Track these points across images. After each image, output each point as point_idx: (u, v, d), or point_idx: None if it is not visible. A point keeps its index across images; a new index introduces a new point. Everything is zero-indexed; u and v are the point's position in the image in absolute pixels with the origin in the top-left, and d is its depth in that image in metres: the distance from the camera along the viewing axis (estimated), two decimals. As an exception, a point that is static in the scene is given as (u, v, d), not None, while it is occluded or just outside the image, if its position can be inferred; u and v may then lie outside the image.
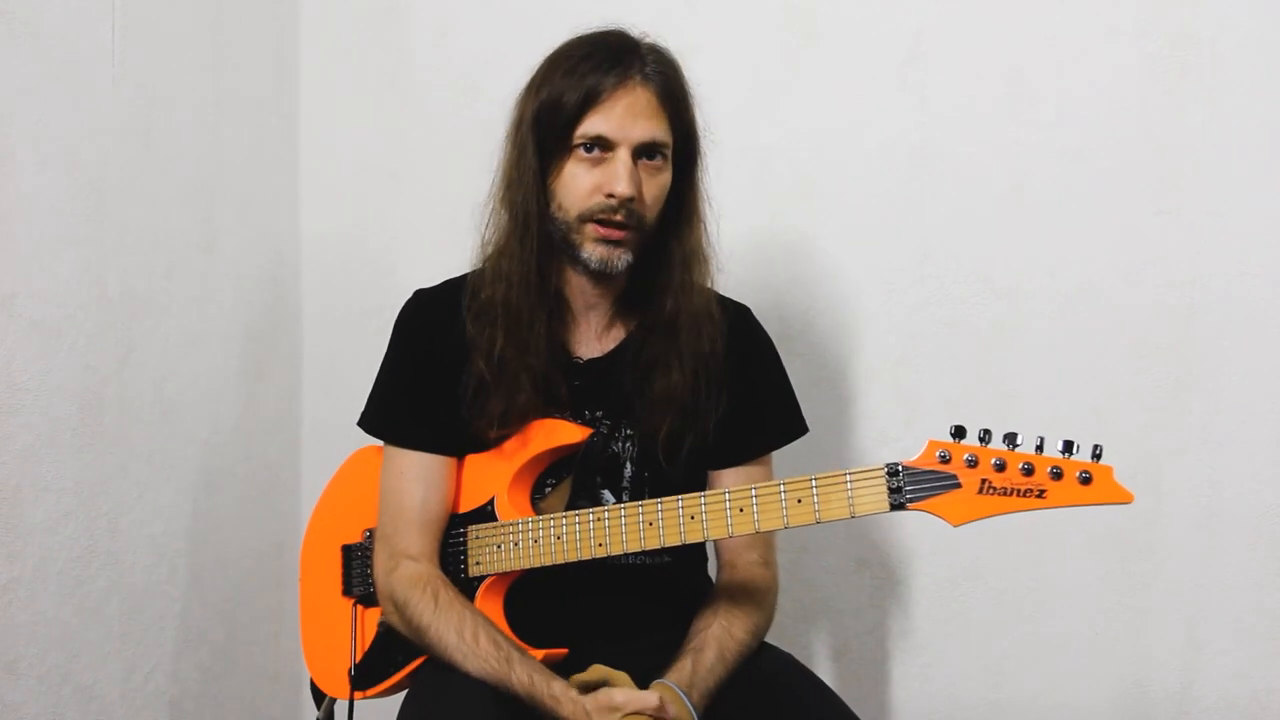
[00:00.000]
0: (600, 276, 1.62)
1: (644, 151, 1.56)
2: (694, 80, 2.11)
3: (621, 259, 1.58)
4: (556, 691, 1.47)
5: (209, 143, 2.19)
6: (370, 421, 1.72)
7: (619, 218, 1.56)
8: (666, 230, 1.62)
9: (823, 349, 2.13)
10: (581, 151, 1.56)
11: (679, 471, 1.64)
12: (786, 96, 2.13)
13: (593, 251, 1.57)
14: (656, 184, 1.59)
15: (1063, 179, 1.99)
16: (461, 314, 1.63)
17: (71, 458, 1.88)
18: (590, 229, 1.57)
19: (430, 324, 1.67)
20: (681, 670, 1.53)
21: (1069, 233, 1.98)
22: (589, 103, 1.55)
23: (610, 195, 1.55)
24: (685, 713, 1.47)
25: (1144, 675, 1.99)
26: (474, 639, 1.53)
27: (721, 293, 1.76)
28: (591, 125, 1.55)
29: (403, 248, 2.38)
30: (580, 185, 1.56)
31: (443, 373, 1.64)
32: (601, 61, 1.57)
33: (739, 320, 1.73)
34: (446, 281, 1.71)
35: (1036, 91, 1.99)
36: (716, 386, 1.64)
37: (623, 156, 1.55)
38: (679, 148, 1.61)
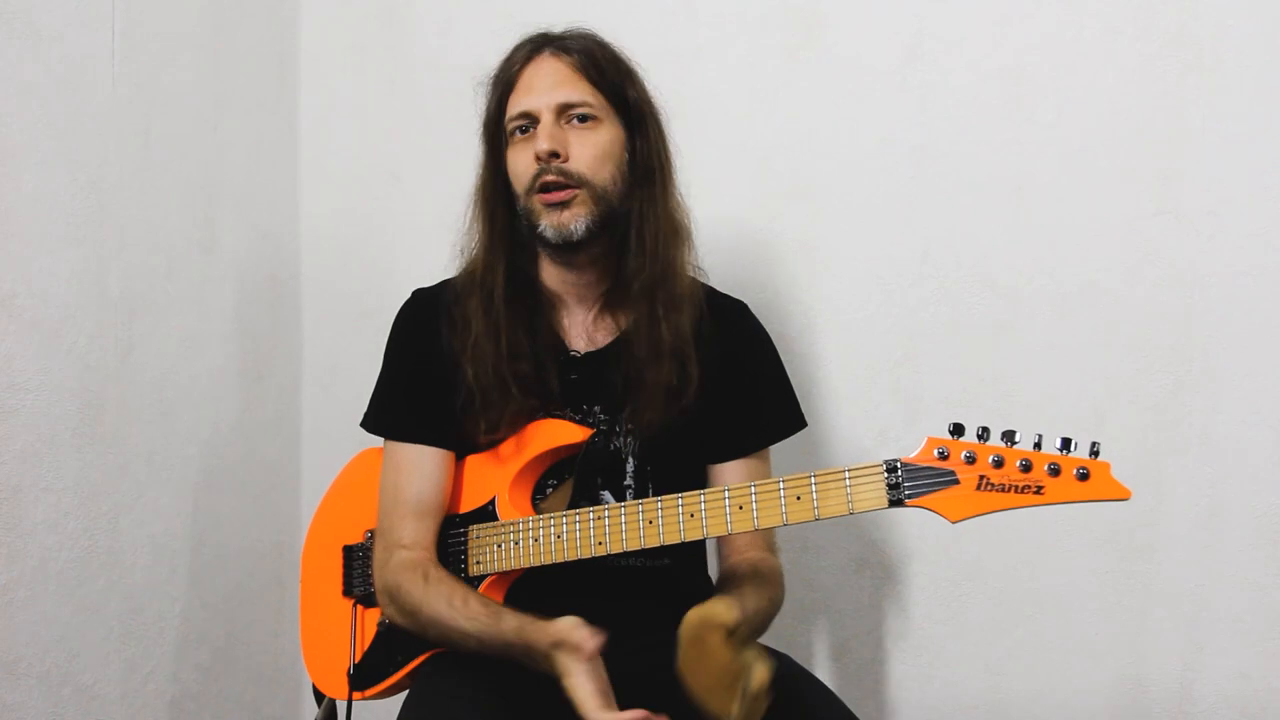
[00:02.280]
0: (570, 254, 1.62)
1: (565, 113, 1.59)
2: (693, 80, 2.14)
3: (575, 221, 1.58)
4: (543, 627, 1.46)
5: (209, 143, 2.19)
6: (370, 419, 1.73)
7: (550, 178, 1.58)
8: (623, 202, 1.63)
9: (823, 349, 2.13)
10: (516, 136, 1.61)
11: (680, 466, 1.64)
12: (786, 96, 2.13)
13: (546, 223, 1.59)
14: (590, 141, 1.59)
15: (1063, 179, 1.98)
16: (453, 313, 1.65)
17: (71, 458, 1.88)
18: (537, 201, 1.59)
19: (426, 324, 1.68)
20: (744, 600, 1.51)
21: (1069, 233, 1.98)
22: (508, 90, 1.62)
23: (538, 159, 1.58)
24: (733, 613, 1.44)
25: (1144, 675, 1.99)
26: (464, 603, 1.55)
27: (721, 290, 1.76)
28: (513, 107, 1.61)
29: (403, 248, 2.38)
30: (519, 164, 1.61)
31: (440, 370, 1.65)
32: (513, 54, 1.64)
33: (736, 315, 1.73)
34: (444, 281, 1.72)
35: (1036, 91, 1.99)
36: (703, 370, 1.63)
37: (545, 121, 1.58)
38: (623, 114, 1.63)
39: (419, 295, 1.74)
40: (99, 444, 1.94)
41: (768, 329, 1.77)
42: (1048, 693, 2.04)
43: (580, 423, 1.64)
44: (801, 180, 2.13)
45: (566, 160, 1.58)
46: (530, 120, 1.60)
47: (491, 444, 1.65)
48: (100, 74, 1.92)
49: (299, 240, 2.45)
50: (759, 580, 1.62)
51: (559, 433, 1.62)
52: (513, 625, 1.50)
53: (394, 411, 1.69)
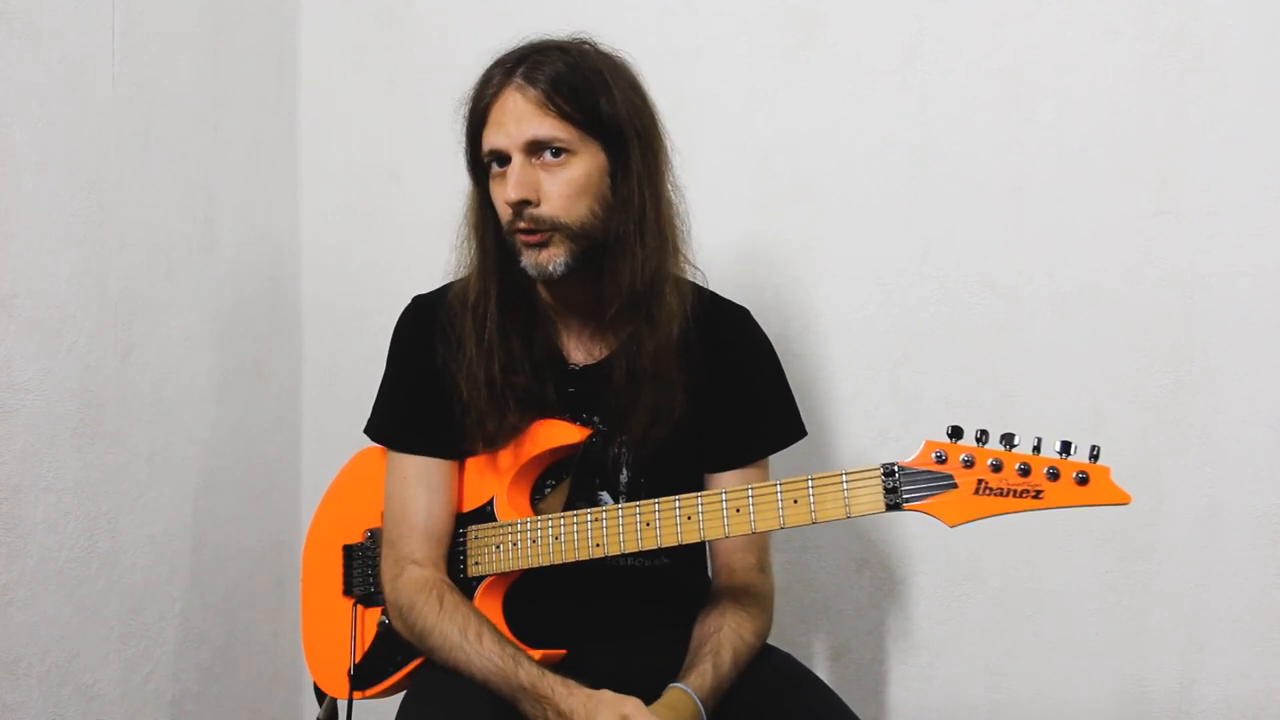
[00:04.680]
0: (555, 286, 1.61)
1: (536, 150, 1.54)
2: (693, 80, 2.14)
3: (552, 261, 1.55)
4: (567, 683, 1.46)
5: (209, 143, 2.19)
6: (374, 428, 1.73)
7: (521, 224, 1.55)
8: (606, 226, 1.58)
9: (823, 349, 2.13)
10: (494, 168, 1.58)
11: (676, 476, 1.64)
12: (786, 96, 2.13)
13: (526, 260, 1.57)
14: (562, 179, 1.54)
15: (1063, 179, 1.98)
16: (453, 319, 1.64)
17: (71, 458, 1.88)
18: (516, 239, 1.57)
19: (427, 330, 1.67)
20: (702, 676, 1.52)
21: (1069, 233, 1.98)
22: (480, 123, 1.58)
23: (507, 206, 1.55)
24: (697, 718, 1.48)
25: (1144, 675, 1.99)
26: (478, 638, 1.53)
27: (721, 293, 1.76)
28: (486, 143, 1.57)
29: (403, 248, 2.38)
30: (497, 201, 1.59)
31: (441, 378, 1.64)
32: (486, 80, 1.58)
33: (737, 322, 1.73)
34: (444, 286, 1.72)
35: (1036, 91, 1.99)
36: (685, 383, 1.62)
37: (515, 163, 1.54)
38: (601, 137, 1.56)
39: (419, 302, 1.73)
40: (99, 444, 1.94)
41: (768, 330, 1.76)
42: (1048, 693, 2.04)
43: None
44: (801, 180, 2.13)
45: (539, 204, 1.54)
46: (501, 158, 1.56)
47: (482, 452, 1.65)
48: (100, 74, 1.92)
49: (299, 240, 2.45)
50: (739, 617, 1.61)
51: (557, 433, 1.62)
52: (531, 674, 1.48)
53: (398, 422, 1.69)
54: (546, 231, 1.55)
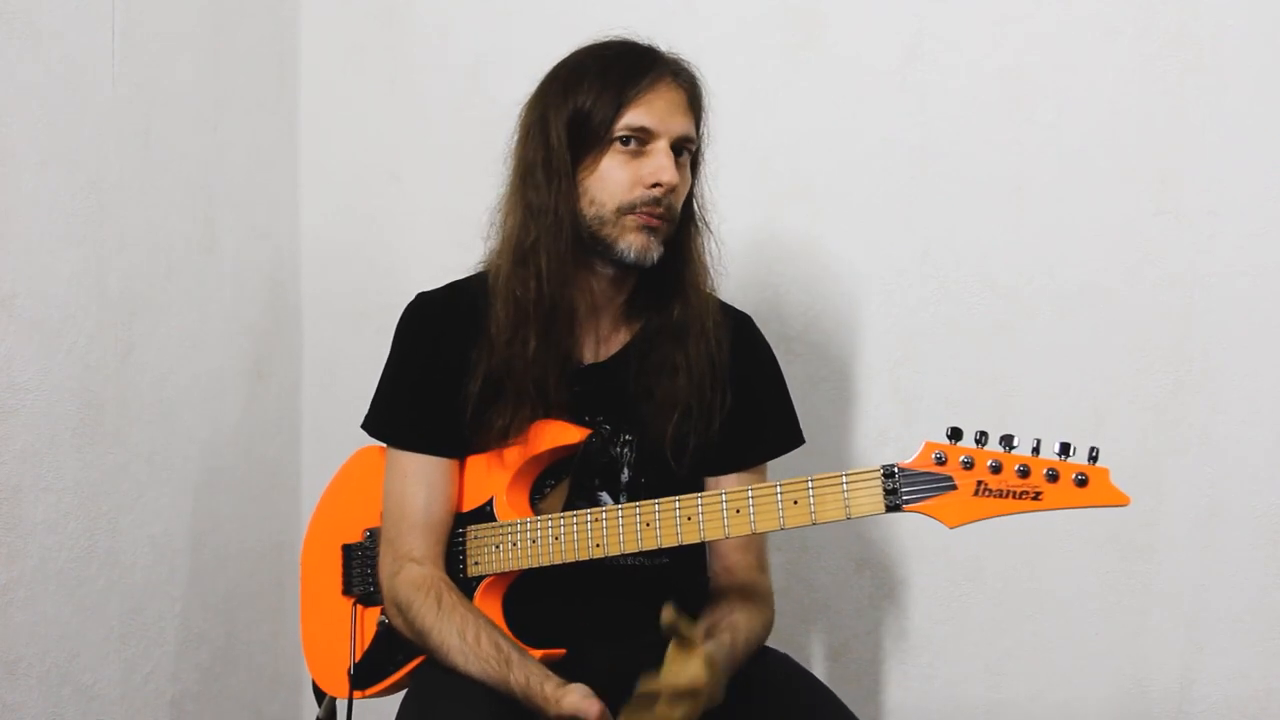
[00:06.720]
0: (624, 273, 1.63)
1: (678, 147, 1.60)
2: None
3: (656, 250, 1.59)
4: (548, 691, 1.46)
5: (209, 143, 2.19)
6: (373, 424, 1.71)
7: (660, 209, 1.58)
8: (678, 236, 1.65)
9: (823, 349, 2.13)
10: (619, 145, 1.58)
11: (675, 476, 1.64)
12: (786, 96, 2.13)
13: (632, 242, 1.58)
14: (685, 180, 1.63)
15: (1063, 179, 1.98)
16: (460, 318, 1.64)
17: (71, 458, 1.88)
18: (630, 219, 1.58)
19: (432, 327, 1.67)
20: (720, 645, 1.52)
21: (1069, 233, 1.98)
22: (628, 98, 1.58)
23: (655, 185, 1.56)
24: (717, 690, 1.45)
25: (1144, 675, 1.99)
26: (475, 641, 1.53)
27: (723, 298, 1.76)
28: (634, 118, 1.57)
29: (403, 248, 2.37)
30: (620, 178, 1.58)
31: (445, 375, 1.64)
32: (635, 62, 1.61)
33: (741, 329, 1.73)
34: (450, 284, 1.71)
35: (1036, 91, 1.99)
36: (721, 388, 1.64)
37: (663, 148, 1.57)
38: (697, 151, 1.66)
39: (424, 298, 1.72)
40: (99, 444, 1.94)
41: (768, 329, 1.77)
42: (1048, 693, 2.04)
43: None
44: (801, 180, 2.13)
45: (676, 198, 1.60)
46: (644, 136, 1.57)
47: (490, 448, 1.65)
48: (100, 74, 1.92)
49: (299, 240, 2.45)
50: (747, 611, 1.62)
51: (557, 433, 1.62)
52: (520, 681, 1.48)
53: (399, 419, 1.68)
54: (668, 222, 1.60)
